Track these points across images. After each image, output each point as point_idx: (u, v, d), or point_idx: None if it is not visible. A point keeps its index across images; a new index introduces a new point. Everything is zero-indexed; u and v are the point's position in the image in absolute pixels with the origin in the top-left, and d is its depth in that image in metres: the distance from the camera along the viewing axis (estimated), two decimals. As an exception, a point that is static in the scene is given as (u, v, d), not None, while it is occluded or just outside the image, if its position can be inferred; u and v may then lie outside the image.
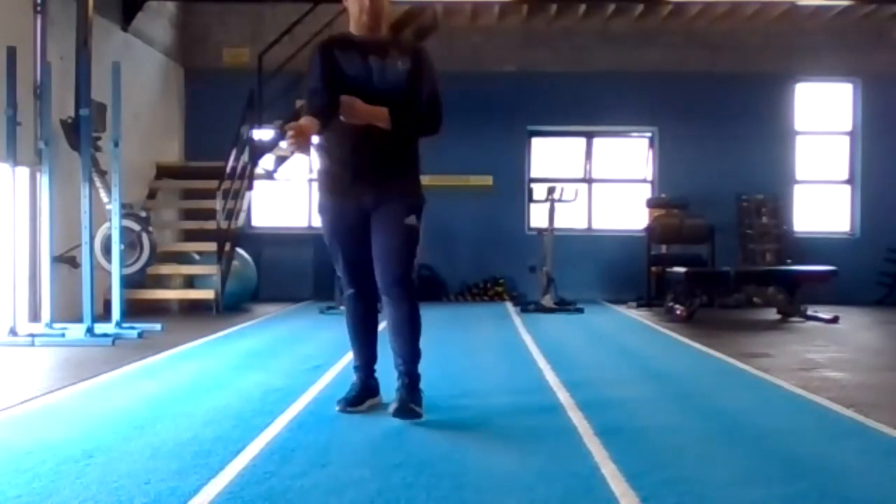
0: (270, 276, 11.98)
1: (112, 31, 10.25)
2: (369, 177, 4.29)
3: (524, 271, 11.84)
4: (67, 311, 8.10)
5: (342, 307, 4.78)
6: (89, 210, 7.57)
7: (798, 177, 13.15)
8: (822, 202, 13.21)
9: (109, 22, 10.17)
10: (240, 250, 11.15)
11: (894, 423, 4.26)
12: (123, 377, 5.66)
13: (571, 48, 12.75)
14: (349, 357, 6.17)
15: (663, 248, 12.32)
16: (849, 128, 13.20)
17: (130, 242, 8.30)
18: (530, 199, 12.35)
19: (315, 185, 13.49)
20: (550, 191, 11.43)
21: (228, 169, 10.68)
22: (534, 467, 3.45)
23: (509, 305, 11.66)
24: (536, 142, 13.24)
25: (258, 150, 11.18)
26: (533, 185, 12.30)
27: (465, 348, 7.18)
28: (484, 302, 12.35)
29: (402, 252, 4.25)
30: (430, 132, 4.35)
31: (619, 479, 3.23)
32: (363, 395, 4.54)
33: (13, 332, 7.27)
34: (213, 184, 10.47)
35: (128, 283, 8.55)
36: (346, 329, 4.57)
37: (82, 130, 7.74)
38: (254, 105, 11.03)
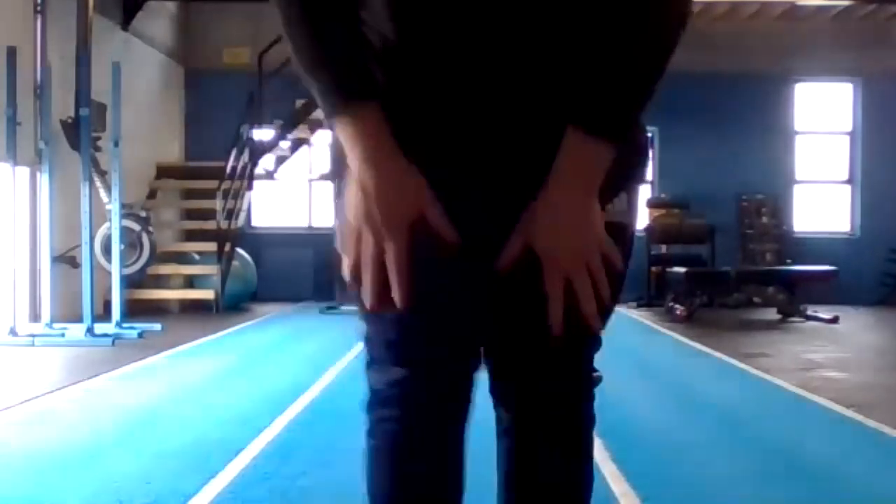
0: (270, 276, 11.96)
1: (112, 31, 10.24)
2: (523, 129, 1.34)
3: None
4: (67, 311, 8.09)
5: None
6: (89, 210, 7.57)
7: (798, 177, 13.15)
8: (822, 202, 13.21)
9: (109, 22, 10.16)
10: (240, 250, 11.15)
11: (894, 423, 4.26)
12: (123, 377, 5.66)
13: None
14: (351, 356, 6.18)
15: (663, 248, 12.31)
16: (849, 128, 13.19)
17: (130, 242, 8.30)
18: (530, 199, 12.33)
19: (316, 183, 13.83)
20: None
21: (228, 169, 10.68)
22: (534, 467, 3.44)
23: (509, 305, 11.65)
24: (536, 142, 13.23)
25: (258, 150, 11.18)
26: (533, 185, 12.28)
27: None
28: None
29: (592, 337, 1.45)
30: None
31: (620, 479, 3.23)
32: None
33: (13, 332, 7.26)
34: (213, 184, 10.46)
35: (128, 283, 8.55)
36: None
37: (82, 130, 7.73)
38: (254, 105, 11.03)
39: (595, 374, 1.53)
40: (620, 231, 1.37)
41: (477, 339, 1.40)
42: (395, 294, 1.26)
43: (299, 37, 1.32)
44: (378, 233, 1.26)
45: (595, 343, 1.48)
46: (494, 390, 1.47)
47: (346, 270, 1.31)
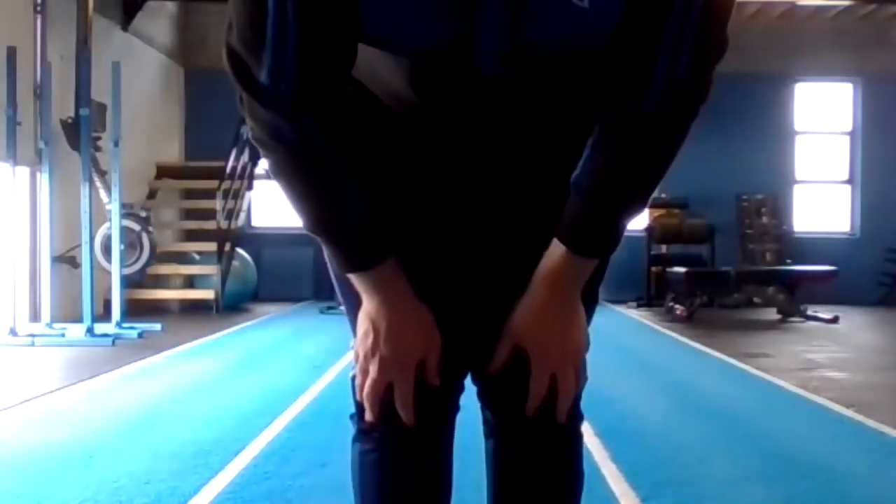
0: (270, 276, 11.97)
1: (112, 31, 10.24)
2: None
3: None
4: (67, 311, 8.10)
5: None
6: (89, 210, 7.57)
7: (798, 177, 13.15)
8: (822, 202, 13.21)
9: (109, 22, 10.16)
10: (240, 250, 11.15)
11: (894, 423, 4.26)
12: (123, 377, 5.66)
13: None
14: (351, 356, 6.25)
15: (663, 248, 12.31)
16: (849, 128, 13.19)
17: (130, 242, 8.30)
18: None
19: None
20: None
21: (228, 169, 10.68)
22: (534, 467, 3.45)
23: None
24: (536, 142, 13.22)
25: (258, 150, 11.16)
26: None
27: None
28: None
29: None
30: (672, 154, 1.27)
31: (620, 479, 3.23)
32: None
33: (13, 332, 7.26)
34: (213, 184, 10.46)
35: (128, 283, 8.55)
36: None
37: (82, 130, 7.73)
38: (254, 105, 11.01)
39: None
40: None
41: (467, 361, 1.41)
42: (403, 417, 1.31)
43: (302, 203, 1.26)
44: (385, 369, 1.29)
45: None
46: (482, 394, 1.48)
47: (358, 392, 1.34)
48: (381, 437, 1.38)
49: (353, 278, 1.28)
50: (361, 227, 1.25)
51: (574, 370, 1.33)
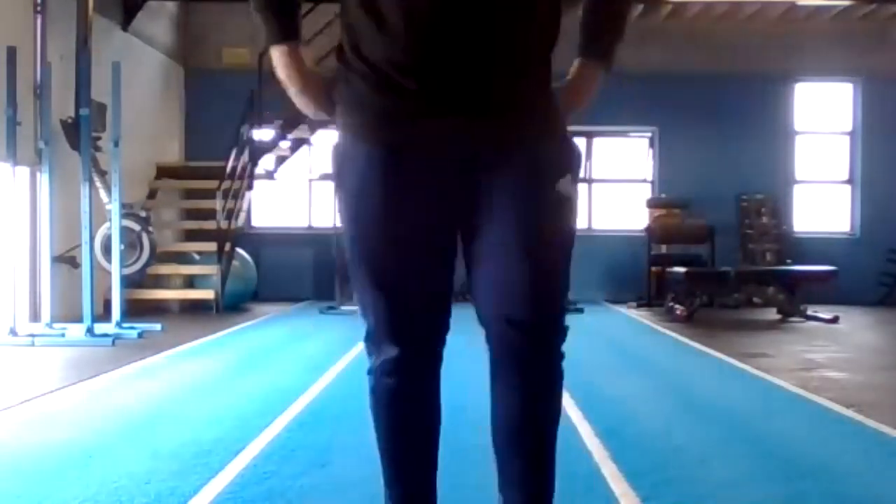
0: (270, 276, 11.97)
1: (112, 31, 10.24)
2: (471, 85, 1.89)
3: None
4: (67, 311, 8.09)
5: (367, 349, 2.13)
6: (89, 210, 7.57)
7: (798, 177, 13.15)
8: (822, 202, 13.20)
9: (109, 22, 10.17)
10: (240, 250, 11.15)
11: (894, 423, 4.26)
12: (123, 377, 5.66)
13: (571, 48, 12.71)
14: (351, 357, 6.21)
15: (663, 248, 12.31)
16: (849, 128, 13.19)
17: (130, 242, 8.30)
18: (530, 199, 12.31)
19: (316, 183, 13.78)
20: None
21: (228, 169, 10.68)
22: (534, 467, 3.44)
23: (509, 305, 11.63)
24: (536, 142, 13.20)
25: (258, 150, 11.17)
26: (533, 185, 12.26)
27: (463, 351, 7.18)
28: (484, 302, 12.32)
29: (555, 259, 1.97)
30: None
31: (620, 479, 3.23)
32: None
33: (13, 332, 7.26)
34: (213, 184, 10.46)
35: (128, 283, 8.55)
36: (373, 435, 2.17)
37: (82, 130, 7.73)
38: (254, 105, 11.02)
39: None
40: (567, 201, 1.96)
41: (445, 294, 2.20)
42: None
43: None
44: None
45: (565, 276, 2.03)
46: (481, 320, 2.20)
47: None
48: (392, 375, 2.07)
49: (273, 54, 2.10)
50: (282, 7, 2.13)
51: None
